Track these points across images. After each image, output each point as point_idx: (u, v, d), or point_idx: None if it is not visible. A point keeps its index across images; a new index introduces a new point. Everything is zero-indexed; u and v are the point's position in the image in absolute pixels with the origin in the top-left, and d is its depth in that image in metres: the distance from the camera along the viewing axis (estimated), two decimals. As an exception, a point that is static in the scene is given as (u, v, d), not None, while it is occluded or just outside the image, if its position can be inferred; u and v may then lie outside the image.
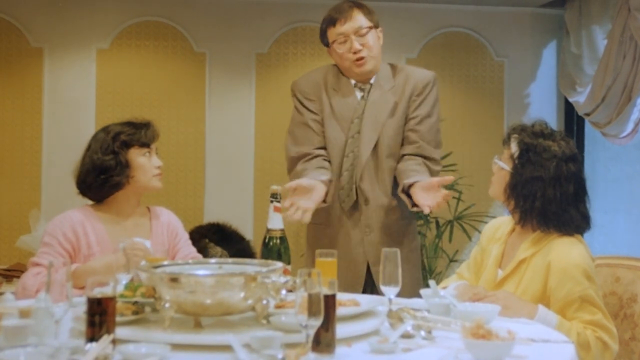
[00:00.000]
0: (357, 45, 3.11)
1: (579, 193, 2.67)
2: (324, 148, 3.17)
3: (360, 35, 3.12)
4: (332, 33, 3.15)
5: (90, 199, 3.01)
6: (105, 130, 3.01)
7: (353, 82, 3.20)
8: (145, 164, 2.97)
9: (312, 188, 2.94)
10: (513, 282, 2.65)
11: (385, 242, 3.03)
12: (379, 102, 3.15)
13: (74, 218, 2.91)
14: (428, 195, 2.90)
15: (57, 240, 2.86)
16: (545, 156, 2.65)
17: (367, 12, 3.17)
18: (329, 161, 3.14)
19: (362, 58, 3.12)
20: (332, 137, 3.16)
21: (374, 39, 3.15)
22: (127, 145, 2.95)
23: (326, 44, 3.20)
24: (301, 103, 3.22)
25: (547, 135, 2.70)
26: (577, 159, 2.70)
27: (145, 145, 2.99)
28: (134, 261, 2.52)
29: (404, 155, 3.15)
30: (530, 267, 2.63)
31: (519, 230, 2.74)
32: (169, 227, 3.08)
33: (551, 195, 2.62)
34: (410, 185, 2.97)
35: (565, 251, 2.57)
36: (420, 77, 3.19)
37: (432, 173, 3.11)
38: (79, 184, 2.97)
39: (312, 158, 3.13)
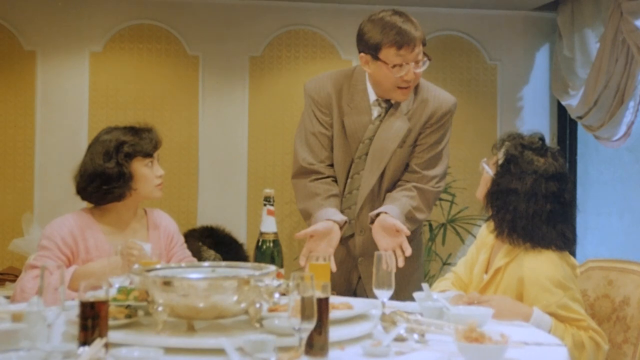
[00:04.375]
0: (412, 75, 2.88)
1: (558, 212, 2.60)
2: (332, 165, 3.04)
3: (417, 63, 2.90)
4: (391, 54, 2.85)
5: (90, 202, 2.96)
6: (108, 133, 2.94)
7: (373, 97, 2.99)
8: (148, 174, 2.93)
9: (328, 232, 2.84)
10: (492, 289, 2.66)
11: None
12: (393, 127, 2.97)
13: (72, 222, 2.88)
14: (386, 235, 2.80)
15: (55, 244, 2.83)
16: (525, 169, 2.61)
17: (424, 37, 2.94)
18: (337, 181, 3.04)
19: (409, 87, 2.92)
20: (339, 155, 3.02)
21: (423, 67, 2.93)
22: (131, 156, 2.90)
23: (372, 54, 2.89)
24: (312, 111, 3.04)
25: (535, 149, 2.65)
26: (562, 179, 2.62)
27: (149, 155, 2.94)
28: (128, 263, 2.50)
29: (401, 179, 3.03)
30: (505, 277, 2.63)
31: (500, 238, 2.72)
32: (166, 230, 3.06)
33: (523, 210, 2.58)
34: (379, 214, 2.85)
35: (535, 265, 2.55)
36: (440, 105, 3.02)
37: (427, 195, 2.99)
38: (80, 190, 2.92)
39: (322, 178, 3.00)
